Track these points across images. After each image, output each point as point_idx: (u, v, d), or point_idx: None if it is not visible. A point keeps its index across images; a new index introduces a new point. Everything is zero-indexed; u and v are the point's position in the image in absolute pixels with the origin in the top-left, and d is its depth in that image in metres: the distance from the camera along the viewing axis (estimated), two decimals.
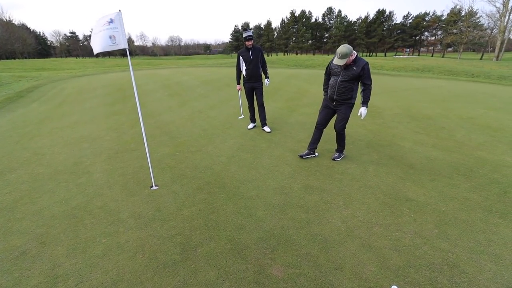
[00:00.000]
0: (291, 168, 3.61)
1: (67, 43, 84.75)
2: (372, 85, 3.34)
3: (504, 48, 39.76)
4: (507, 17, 37.27)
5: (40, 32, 78.54)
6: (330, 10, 71.72)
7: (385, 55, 62.77)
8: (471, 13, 48.04)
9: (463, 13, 50.48)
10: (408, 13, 69.33)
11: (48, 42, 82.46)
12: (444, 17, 57.20)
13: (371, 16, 67.14)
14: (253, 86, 4.96)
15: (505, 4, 36.76)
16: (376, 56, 65.28)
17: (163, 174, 3.53)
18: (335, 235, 2.32)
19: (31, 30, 72.43)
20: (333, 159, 3.80)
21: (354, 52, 3.22)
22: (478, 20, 48.35)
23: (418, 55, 58.97)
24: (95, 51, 2.75)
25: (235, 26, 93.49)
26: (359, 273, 1.93)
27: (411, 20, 63.59)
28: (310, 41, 72.64)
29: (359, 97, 3.45)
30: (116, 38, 2.69)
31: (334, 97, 3.49)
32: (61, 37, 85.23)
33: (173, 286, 1.86)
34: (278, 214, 2.63)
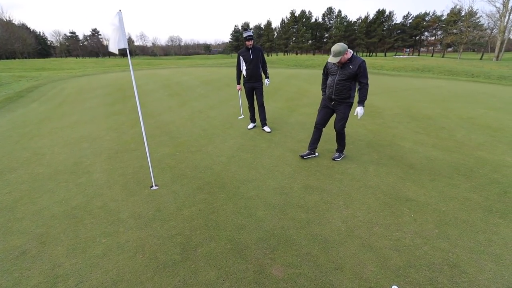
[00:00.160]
0: (291, 168, 3.61)
1: (67, 43, 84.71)
2: (368, 84, 3.32)
3: (504, 48, 39.77)
4: (507, 17, 37.30)
5: (40, 32, 78.60)
6: (330, 10, 71.75)
7: (385, 55, 62.77)
8: (471, 13, 48.05)
9: (463, 13, 50.52)
10: (408, 13, 69.37)
11: (48, 42, 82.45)
12: (444, 17, 57.23)
13: (371, 16, 67.28)
14: (253, 86, 4.96)
15: (505, 4, 36.77)
16: (376, 56, 65.28)
17: (163, 174, 3.53)
18: (336, 235, 2.32)
19: (31, 30, 72.45)
20: (333, 159, 3.80)
21: (350, 50, 3.23)
22: (478, 20, 48.39)
23: (418, 55, 58.97)
24: (113, 49, 2.71)
25: (235, 26, 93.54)
26: (360, 273, 1.93)
27: (411, 20, 63.62)
28: (310, 41, 72.65)
29: (357, 97, 3.44)
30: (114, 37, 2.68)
31: (332, 96, 3.49)
32: (61, 37, 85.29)
33: (173, 286, 1.86)
34: (278, 214, 2.63)
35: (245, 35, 4.67)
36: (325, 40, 73.50)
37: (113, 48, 2.70)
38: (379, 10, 65.12)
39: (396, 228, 2.38)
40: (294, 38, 74.24)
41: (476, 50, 57.42)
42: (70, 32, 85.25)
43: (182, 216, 2.63)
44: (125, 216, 2.64)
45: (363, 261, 2.03)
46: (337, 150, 3.88)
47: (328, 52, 69.15)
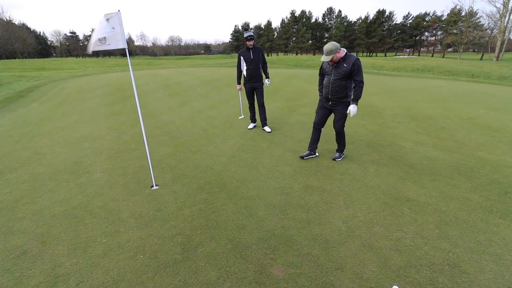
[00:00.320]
0: (291, 168, 3.61)
1: (67, 43, 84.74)
2: (363, 82, 3.28)
3: (504, 48, 39.77)
4: (507, 17, 37.31)
5: (40, 32, 78.66)
6: (330, 10, 71.76)
7: (385, 55, 62.75)
8: (471, 13, 48.04)
9: (463, 13, 50.51)
10: (408, 13, 69.28)
11: (48, 42, 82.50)
12: (444, 17, 57.21)
13: (371, 16, 67.29)
14: (253, 86, 4.96)
15: (505, 5, 36.78)
16: (376, 56, 65.27)
17: (163, 174, 3.53)
18: (336, 235, 2.32)
19: (31, 30, 72.47)
20: (334, 159, 3.80)
21: (343, 49, 3.23)
22: (478, 20, 48.38)
23: (418, 55, 58.97)
24: (88, 51, 2.77)
25: (235, 26, 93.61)
26: (360, 273, 1.93)
27: (411, 20, 63.62)
28: (310, 41, 72.62)
29: None
30: (107, 38, 2.68)
31: (329, 96, 3.49)
32: (61, 37, 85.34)
33: (174, 286, 1.86)
34: (279, 214, 2.63)
35: (245, 35, 4.67)
36: (325, 40, 73.40)
37: (89, 48, 2.70)
38: (379, 10, 65.14)
39: (397, 228, 2.38)
40: (294, 38, 74.24)
41: (476, 50, 57.36)
42: (70, 32, 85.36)
43: (182, 216, 2.63)
44: (126, 216, 2.64)
45: (364, 261, 2.03)
46: (337, 150, 3.88)
47: None
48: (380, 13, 64.79)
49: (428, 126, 5.41)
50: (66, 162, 3.99)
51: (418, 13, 68.74)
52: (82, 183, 3.34)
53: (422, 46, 68.53)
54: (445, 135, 4.83)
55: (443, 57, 51.57)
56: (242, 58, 4.83)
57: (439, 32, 61.92)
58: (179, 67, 22.73)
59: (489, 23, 44.77)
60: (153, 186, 3.20)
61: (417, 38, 65.38)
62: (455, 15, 52.02)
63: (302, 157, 3.86)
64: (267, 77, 5.09)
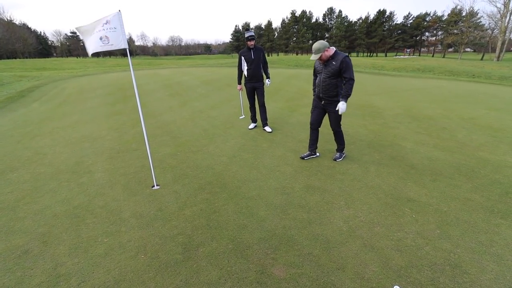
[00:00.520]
0: (292, 168, 3.61)
1: (68, 43, 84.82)
2: (353, 80, 3.24)
3: (505, 48, 39.72)
4: (508, 18, 37.25)
5: (41, 32, 78.72)
6: (330, 10, 71.71)
7: (386, 56, 62.68)
8: (472, 14, 47.97)
9: (463, 14, 50.44)
10: (409, 13, 69.31)
11: (49, 42, 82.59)
12: (445, 18, 57.15)
13: (371, 17, 67.18)
14: (254, 86, 4.97)
15: (506, 5, 36.71)
16: (376, 56, 65.23)
17: (164, 174, 3.53)
18: (337, 235, 2.32)
19: (32, 30, 72.53)
20: (334, 160, 3.79)
21: (332, 47, 3.24)
22: (479, 21, 48.29)
23: (419, 55, 58.87)
24: (89, 52, 2.76)
25: (236, 26, 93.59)
26: (361, 273, 1.93)
27: (411, 21, 63.56)
28: (310, 41, 72.39)
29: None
30: (110, 38, 2.68)
31: (321, 95, 3.50)
32: (62, 37, 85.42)
33: (175, 285, 1.86)
34: (280, 214, 2.63)
35: (246, 35, 4.67)
36: (325, 40, 73.21)
37: (90, 49, 2.71)
38: (379, 10, 65.07)
39: (398, 229, 2.38)
40: (294, 38, 74.18)
41: (476, 50, 57.30)
42: (71, 32, 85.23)
43: (183, 215, 2.63)
44: (127, 216, 2.65)
45: (365, 261, 2.03)
46: (337, 150, 3.87)
47: None
48: (381, 13, 64.73)
49: (429, 126, 5.41)
50: (67, 162, 4.00)
51: (418, 13, 68.66)
52: (83, 183, 3.34)
53: (422, 46, 68.48)
54: (446, 135, 4.82)
55: (443, 57, 51.53)
56: (243, 58, 4.84)
57: (440, 32, 61.87)
58: (179, 67, 22.73)
59: (489, 23, 44.74)
60: (154, 186, 3.21)
61: (417, 38, 65.33)
62: (455, 15, 51.95)
63: (302, 158, 3.86)
64: (267, 77, 5.09)
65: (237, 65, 5.06)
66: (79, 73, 19.04)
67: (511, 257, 2.05)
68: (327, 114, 3.67)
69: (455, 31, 51.83)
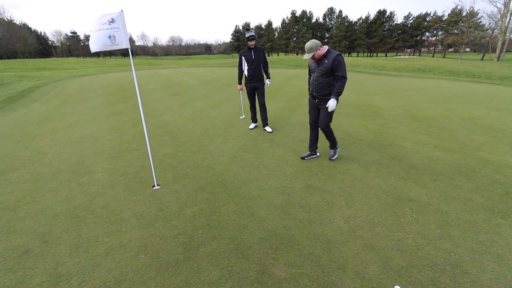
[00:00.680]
0: (292, 168, 3.61)
1: (68, 43, 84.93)
2: (346, 78, 3.22)
3: (505, 48, 39.71)
4: (508, 18, 37.26)
5: (41, 32, 78.87)
6: (331, 11, 71.77)
7: (386, 56, 62.67)
8: (472, 14, 47.97)
9: (464, 14, 50.43)
10: (409, 13, 69.41)
11: (49, 42, 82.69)
12: (445, 18, 57.14)
13: (371, 17, 67.22)
14: (254, 86, 4.97)
15: (506, 5, 36.72)
16: (377, 56, 65.21)
17: (165, 173, 3.53)
18: (338, 235, 2.32)
19: (32, 30, 72.61)
20: (330, 159, 3.79)
21: (325, 46, 3.25)
22: (479, 21, 48.29)
23: (419, 55, 58.89)
24: (93, 50, 2.75)
25: (236, 26, 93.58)
26: (362, 273, 1.93)
27: (412, 21, 63.58)
28: None
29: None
30: (116, 38, 2.68)
31: (314, 93, 3.51)
32: (62, 37, 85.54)
33: (175, 285, 1.86)
34: (280, 214, 2.63)
35: (247, 35, 4.68)
36: (326, 40, 73.37)
37: (94, 47, 2.70)
38: (380, 10, 65.11)
39: (398, 229, 2.38)
40: (295, 38, 74.18)
41: (476, 50, 57.29)
42: (71, 32, 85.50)
43: (184, 215, 2.63)
44: (128, 216, 2.65)
45: (366, 261, 2.03)
46: (330, 147, 3.85)
47: None
48: (381, 13, 64.74)
49: (429, 126, 5.41)
50: (68, 162, 4.00)
51: (418, 13, 68.52)
52: (83, 183, 3.35)
53: (422, 46, 68.48)
54: (446, 135, 4.82)
55: (443, 57, 51.51)
56: (243, 58, 4.84)
57: (440, 32, 61.87)
58: (179, 67, 22.74)
59: (490, 23, 44.74)
60: (154, 186, 3.21)
61: (417, 38, 65.35)
62: (456, 15, 51.94)
63: (303, 158, 3.86)
64: (268, 77, 5.10)
65: (237, 65, 5.06)
66: (80, 73, 19.05)
67: None
68: None
69: (455, 31, 51.83)
